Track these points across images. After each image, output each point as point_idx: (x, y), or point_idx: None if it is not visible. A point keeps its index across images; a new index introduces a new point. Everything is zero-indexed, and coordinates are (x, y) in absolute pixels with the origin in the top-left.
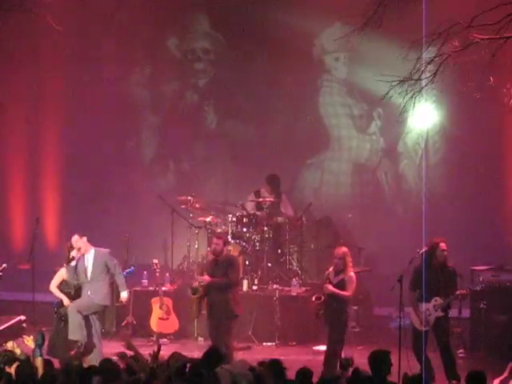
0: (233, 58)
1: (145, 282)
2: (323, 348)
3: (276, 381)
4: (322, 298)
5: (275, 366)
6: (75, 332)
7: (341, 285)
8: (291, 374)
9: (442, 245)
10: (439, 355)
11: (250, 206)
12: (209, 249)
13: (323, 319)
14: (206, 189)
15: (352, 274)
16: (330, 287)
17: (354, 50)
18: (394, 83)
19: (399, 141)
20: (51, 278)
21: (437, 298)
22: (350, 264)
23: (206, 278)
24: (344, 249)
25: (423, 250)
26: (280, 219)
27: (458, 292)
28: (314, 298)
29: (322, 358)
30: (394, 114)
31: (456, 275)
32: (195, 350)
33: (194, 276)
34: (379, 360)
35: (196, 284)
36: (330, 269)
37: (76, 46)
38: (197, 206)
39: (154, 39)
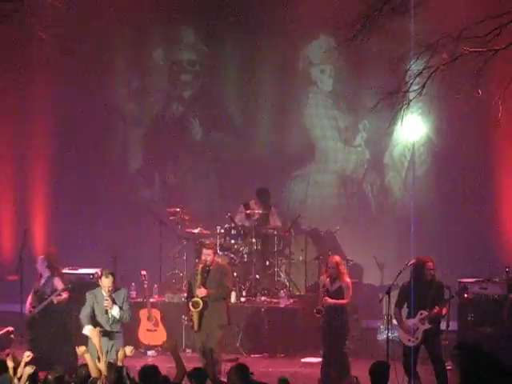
0: (218, 70)
1: (133, 293)
2: (311, 360)
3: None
4: (323, 311)
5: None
6: None
7: (339, 292)
8: None
9: (429, 264)
10: (431, 368)
11: (239, 218)
12: (197, 260)
13: (324, 331)
14: (191, 201)
15: (348, 280)
16: (329, 300)
17: (340, 62)
18: (381, 96)
19: (385, 153)
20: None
21: (422, 312)
22: (344, 271)
23: (203, 290)
24: (337, 257)
25: (411, 262)
26: (269, 231)
27: (434, 312)
28: (315, 312)
29: (310, 370)
30: (380, 126)
31: (443, 288)
32: (183, 361)
33: (183, 288)
34: (379, 373)
35: (196, 298)
36: (324, 277)
37: (62, 57)
38: (185, 217)
39: (139, 51)
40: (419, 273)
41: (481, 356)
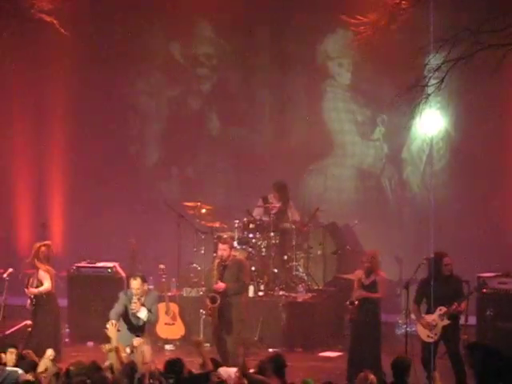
0: (236, 64)
1: (151, 287)
2: (329, 354)
3: None
4: (356, 302)
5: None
6: None
7: (373, 286)
8: (298, 381)
9: (446, 259)
10: (449, 363)
11: (257, 212)
12: (215, 254)
13: (356, 325)
14: (210, 195)
15: (383, 274)
16: (363, 293)
17: (358, 56)
18: (400, 90)
19: (403, 147)
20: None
21: (441, 308)
22: (379, 265)
23: (221, 285)
24: (372, 251)
25: (430, 257)
26: (287, 225)
27: (454, 306)
28: (348, 303)
29: (328, 364)
30: (398, 121)
31: (461, 283)
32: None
33: (201, 282)
34: (402, 367)
35: (214, 293)
36: (359, 271)
37: (80, 51)
38: (203, 211)
39: (156, 45)
40: (437, 268)
41: (491, 355)
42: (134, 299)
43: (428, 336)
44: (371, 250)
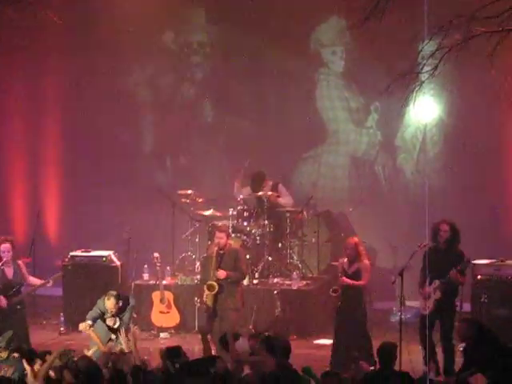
0: (229, 52)
1: (146, 275)
2: (324, 342)
3: None
4: (339, 290)
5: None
6: None
7: (357, 274)
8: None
9: (443, 225)
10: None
11: (246, 191)
12: (209, 242)
13: (340, 312)
14: (203, 183)
15: (367, 261)
16: (346, 279)
17: (351, 43)
18: (393, 77)
19: (397, 134)
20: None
21: (436, 281)
22: (363, 253)
23: (222, 273)
24: (355, 238)
25: (424, 243)
26: (281, 212)
27: (451, 272)
28: (331, 291)
29: (323, 352)
30: (392, 108)
31: (463, 257)
32: (196, 343)
33: (195, 270)
34: (386, 353)
35: (210, 281)
36: (342, 260)
37: (73, 39)
38: (197, 199)
39: (150, 33)
40: (434, 238)
41: (484, 332)
42: (109, 315)
43: (423, 308)
44: (353, 237)
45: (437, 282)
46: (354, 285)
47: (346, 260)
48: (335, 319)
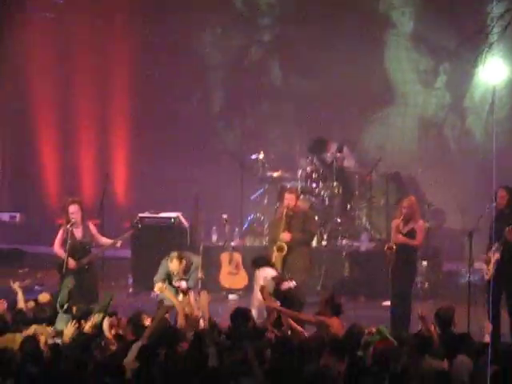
0: (297, 14)
1: (214, 237)
2: None
3: None
4: (394, 247)
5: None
6: None
7: (411, 234)
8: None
9: (500, 191)
10: None
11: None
12: (278, 204)
13: (392, 271)
14: (272, 144)
15: (422, 222)
16: (400, 237)
17: (421, 4)
18: (463, 38)
19: (466, 96)
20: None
21: (496, 243)
22: (418, 213)
23: (288, 235)
24: (411, 198)
25: (491, 206)
26: (349, 173)
27: (506, 230)
28: (386, 248)
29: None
30: (461, 69)
31: None
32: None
33: (263, 232)
34: (444, 317)
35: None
36: (398, 219)
37: (141, 4)
38: (266, 161)
39: None
40: (496, 206)
41: None
42: (176, 277)
43: (486, 272)
44: (410, 197)
45: (496, 245)
46: (408, 244)
47: (401, 219)
48: (390, 277)
